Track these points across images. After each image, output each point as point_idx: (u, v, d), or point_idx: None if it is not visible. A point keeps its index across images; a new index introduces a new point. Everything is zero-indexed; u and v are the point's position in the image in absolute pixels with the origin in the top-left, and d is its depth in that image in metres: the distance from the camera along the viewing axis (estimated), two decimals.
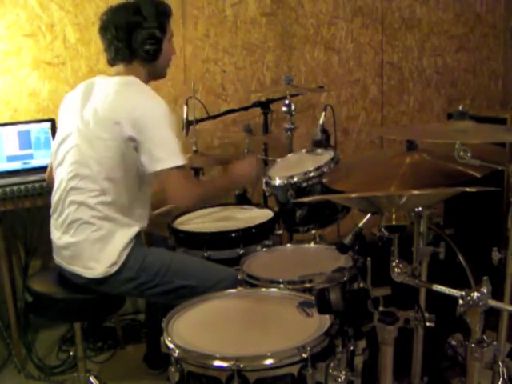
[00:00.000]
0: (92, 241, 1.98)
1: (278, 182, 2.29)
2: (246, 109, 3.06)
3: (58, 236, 2.06)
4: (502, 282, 1.58)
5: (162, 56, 2.11)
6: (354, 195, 1.46)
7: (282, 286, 1.78)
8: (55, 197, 2.08)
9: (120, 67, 2.09)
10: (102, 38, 2.10)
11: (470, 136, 1.47)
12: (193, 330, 1.54)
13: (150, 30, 2.03)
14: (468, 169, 1.47)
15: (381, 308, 1.43)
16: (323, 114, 2.54)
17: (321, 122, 2.49)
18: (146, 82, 2.11)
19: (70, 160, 2.03)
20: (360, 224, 1.64)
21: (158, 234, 2.43)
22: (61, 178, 2.06)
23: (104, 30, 2.08)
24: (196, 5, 3.22)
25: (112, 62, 2.11)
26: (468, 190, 1.29)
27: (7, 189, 2.50)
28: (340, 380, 1.41)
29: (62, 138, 2.07)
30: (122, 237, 2.00)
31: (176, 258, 2.12)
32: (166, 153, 1.96)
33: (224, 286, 1.92)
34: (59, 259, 2.07)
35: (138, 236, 2.07)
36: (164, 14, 2.09)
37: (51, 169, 2.19)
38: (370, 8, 3.73)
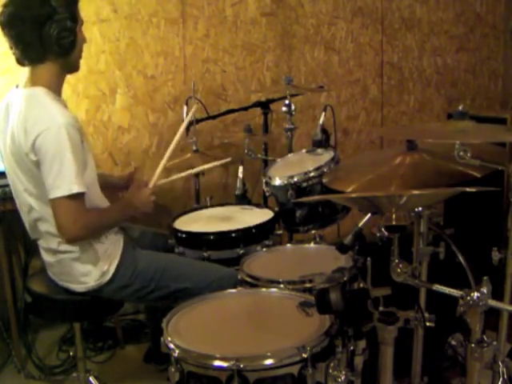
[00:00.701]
0: (73, 261, 1.94)
1: (277, 181, 2.29)
2: (246, 109, 3.06)
3: (45, 255, 2.01)
4: (502, 282, 1.58)
5: (77, 47, 1.90)
6: (354, 195, 1.46)
7: (282, 285, 1.78)
8: (29, 228, 2.01)
9: (28, 71, 1.87)
10: (5, 35, 1.83)
11: (470, 136, 1.47)
12: (193, 330, 1.54)
13: (62, 21, 1.80)
14: (468, 169, 1.47)
15: (381, 308, 1.43)
16: (323, 114, 2.54)
17: (321, 122, 2.50)
18: (61, 78, 1.93)
19: (15, 194, 1.96)
20: (360, 224, 1.64)
21: (158, 233, 2.43)
22: (23, 211, 1.98)
23: (7, 25, 1.81)
24: (196, 5, 3.22)
25: (21, 61, 1.88)
26: (468, 190, 1.29)
27: (7, 189, 2.49)
28: (340, 380, 1.41)
29: (4, 169, 1.97)
30: (100, 245, 1.95)
31: (170, 262, 2.09)
32: (58, 180, 1.77)
33: (220, 285, 1.91)
34: (51, 274, 2.03)
35: (124, 240, 2.03)
36: (73, 0, 1.87)
37: None
38: (370, 8, 3.73)
